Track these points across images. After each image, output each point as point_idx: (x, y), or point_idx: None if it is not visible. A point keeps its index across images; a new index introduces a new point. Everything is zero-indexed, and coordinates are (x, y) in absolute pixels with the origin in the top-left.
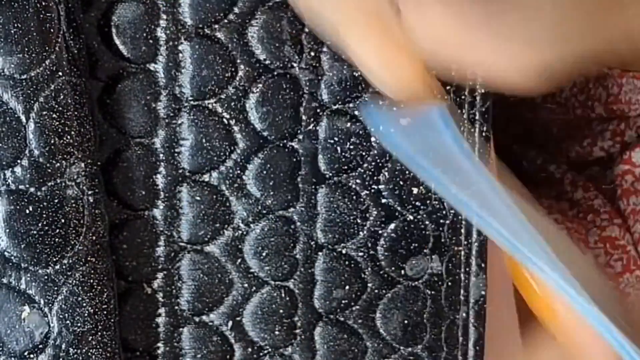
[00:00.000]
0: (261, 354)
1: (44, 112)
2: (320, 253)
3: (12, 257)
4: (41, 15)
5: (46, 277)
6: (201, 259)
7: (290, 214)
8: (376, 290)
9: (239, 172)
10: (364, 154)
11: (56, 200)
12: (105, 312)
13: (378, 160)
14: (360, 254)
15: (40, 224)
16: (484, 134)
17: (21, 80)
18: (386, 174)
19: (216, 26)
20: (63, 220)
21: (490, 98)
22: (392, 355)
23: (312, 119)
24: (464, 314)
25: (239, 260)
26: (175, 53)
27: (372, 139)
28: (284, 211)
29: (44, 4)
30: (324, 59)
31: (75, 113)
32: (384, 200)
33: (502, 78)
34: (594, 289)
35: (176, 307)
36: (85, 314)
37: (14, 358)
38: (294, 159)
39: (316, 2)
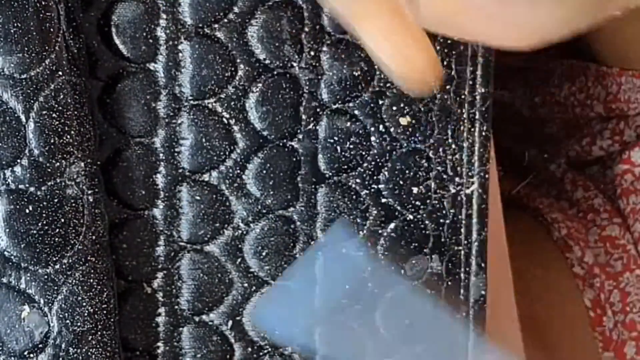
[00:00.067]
0: (261, 353)
1: (44, 112)
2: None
3: (12, 257)
4: (41, 15)
5: (46, 277)
6: (201, 259)
7: (290, 214)
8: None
9: (238, 171)
10: (363, 153)
11: (56, 200)
12: (105, 312)
13: (378, 160)
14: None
15: (40, 224)
16: (484, 134)
17: (21, 79)
18: (386, 173)
19: (216, 26)
20: (63, 220)
21: (490, 98)
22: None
23: (311, 119)
24: (464, 314)
25: (239, 260)
26: (175, 52)
27: (372, 138)
28: (284, 211)
29: (43, 3)
30: (323, 58)
31: (75, 113)
32: (383, 200)
33: (503, 41)
34: None
35: (176, 307)
36: (85, 314)
37: (13, 357)
38: (294, 159)
39: None
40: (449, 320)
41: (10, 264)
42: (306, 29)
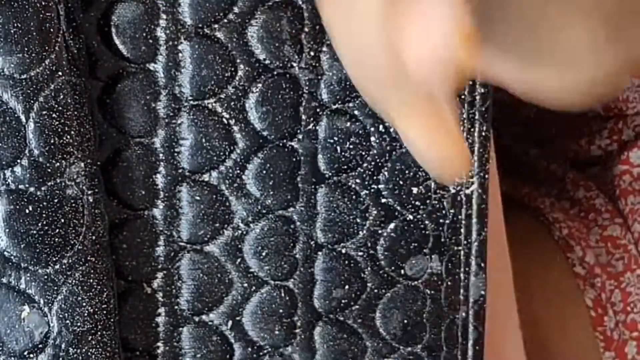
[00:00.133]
0: (261, 353)
1: (44, 112)
2: (319, 253)
3: (12, 257)
4: (41, 15)
5: (46, 277)
6: (201, 259)
7: (290, 214)
8: (376, 290)
9: (238, 171)
10: (363, 153)
11: (56, 200)
12: (105, 312)
13: (378, 160)
14: (360, 253)
15: (40, 224)
16: (484, 134)
17: (21, 80)
18: (386, 173)
19: (216, 26)
20: (63, 220)
21: (490, 98)
22: (391, 355)
23: (311, 119)
24: (464, 314)
25: (239, 260)
26: (175, 53)
27: (372, 138)
28: (284, 211)
29: (43, 3)
30: (323, 58)
31: (75, 113)
32: (383, 200)
33: (551, 100)
34: None
35: (176, 307)
36: (85, 314)
37: (13, 358)
38: (294, 159)
39: (355, 71)
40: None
41: (10, 264)
42: (306, 29)
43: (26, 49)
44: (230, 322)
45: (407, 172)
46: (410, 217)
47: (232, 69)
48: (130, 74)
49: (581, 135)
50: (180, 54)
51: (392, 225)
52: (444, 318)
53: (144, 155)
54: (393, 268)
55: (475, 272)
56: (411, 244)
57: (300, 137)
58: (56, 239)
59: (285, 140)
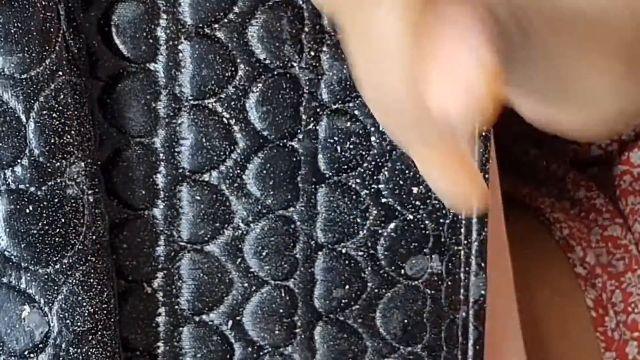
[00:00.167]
0: (261, 353)
1: (44, 112)
2: (320, 252)
3: (12, 257)
4: (41, 15)
5: (46, 277)
6: (201, 259)
7: (290, 214)
8: (376, 290)
9: (238, 171)
10: (363, 153)
11: (56, 200)
12: (105, 312)
13: (378, 160)
14: (360, 253)
15: (40, 224)
16: (484, 134)
17: (21, 79)
18: (386, 173)
19: (216, 26)
20: (63, 220)
21: None
22: (391, 355)
23: (312, 119)
24: (464, 314)
25: (239, 260)
26: (175, 52)
27: (372, 138)
28: (284, 211)
29: (44, 3)
30: (323, 58)
31: (75, 113)
32: (383, 200)
33: (571, 133)
34: None
35: (176, 307)
36: (86, 314)
37: (14, 357)
38: (294, 159)
39: (376, 106)
40: (448, 318)
41: (11, 263)
42: (306, 29)
43: (26, 48)
44: (230, 322)
45: (407, 172)
46: (411, 216)
47: (233, 69)
48: (130, 74)
49: None
50: (180, 54)
51: (392, 225)
52: (444, 318)
53: (144, 155)
54: (393, 268)
55: (475, 272)
56: (411, 243)
57: (300, 137)
58: (56, 239)
59: (285, 140)
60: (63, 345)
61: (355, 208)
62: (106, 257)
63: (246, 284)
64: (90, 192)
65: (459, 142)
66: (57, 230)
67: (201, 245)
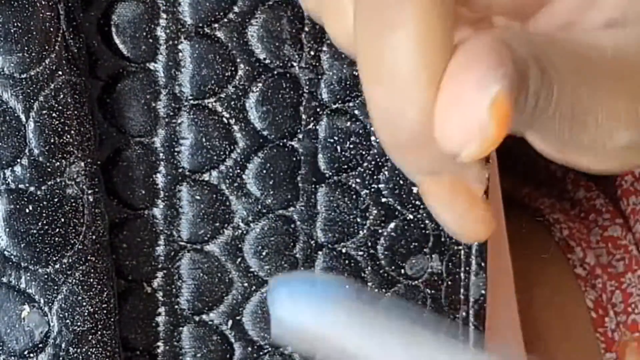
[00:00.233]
0: (261, 353)
1: (44, 112)
2: (320, 252)
3: (12, 256)
4: (41, 15)
5: (46, 276)
6: (201, 258)
7: (290, 213)
8: (376, 290)
9: (238, 171)
10: (363, 153)
11: (56, 200)
12: (105, 312)
13: (378, 160)
14: (360, 253)
15: (40, 223)
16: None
17: (21, 79)
18: (386, 173)
19: (216, 25)
20: (63, 220)
21: None
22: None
23: (312, 118)
24: (464, 313)
25: (239, 260)
26: (175, 52)
27: (372, 138)
28: (284, 210)
29: (43, 3)
30: (323, 58)
31: (75, 112)
32: (383, 200)
33: (586, 168)
34: None
35: (176, 306)
36: (85, 313)
37: (13, 357)
38: (294, 158)
39: (381, 131)
40: (448, 320)
41: (10, 263)
42: (306, 29)
43: (26, 48)
44: (230, 322)
45: None
46: (411, 216)
47: (232, 69)
48: (130, 74)
49: None
50: (180, 54)
51: (392, 225)
52: (444, 317)
53: (144, 155)
54: (393, 267)
55: (475, 271)
56: (411, 243)
57: (300, 136)
58: (56, 239)
59: (285, 140)
60: (63, 345)
61: (355, 208)
62: (106, 256)
63: (246, 284)
64: (90, 191)
65: (464, 172)
66: (57, 230)
67: (201, 245)
